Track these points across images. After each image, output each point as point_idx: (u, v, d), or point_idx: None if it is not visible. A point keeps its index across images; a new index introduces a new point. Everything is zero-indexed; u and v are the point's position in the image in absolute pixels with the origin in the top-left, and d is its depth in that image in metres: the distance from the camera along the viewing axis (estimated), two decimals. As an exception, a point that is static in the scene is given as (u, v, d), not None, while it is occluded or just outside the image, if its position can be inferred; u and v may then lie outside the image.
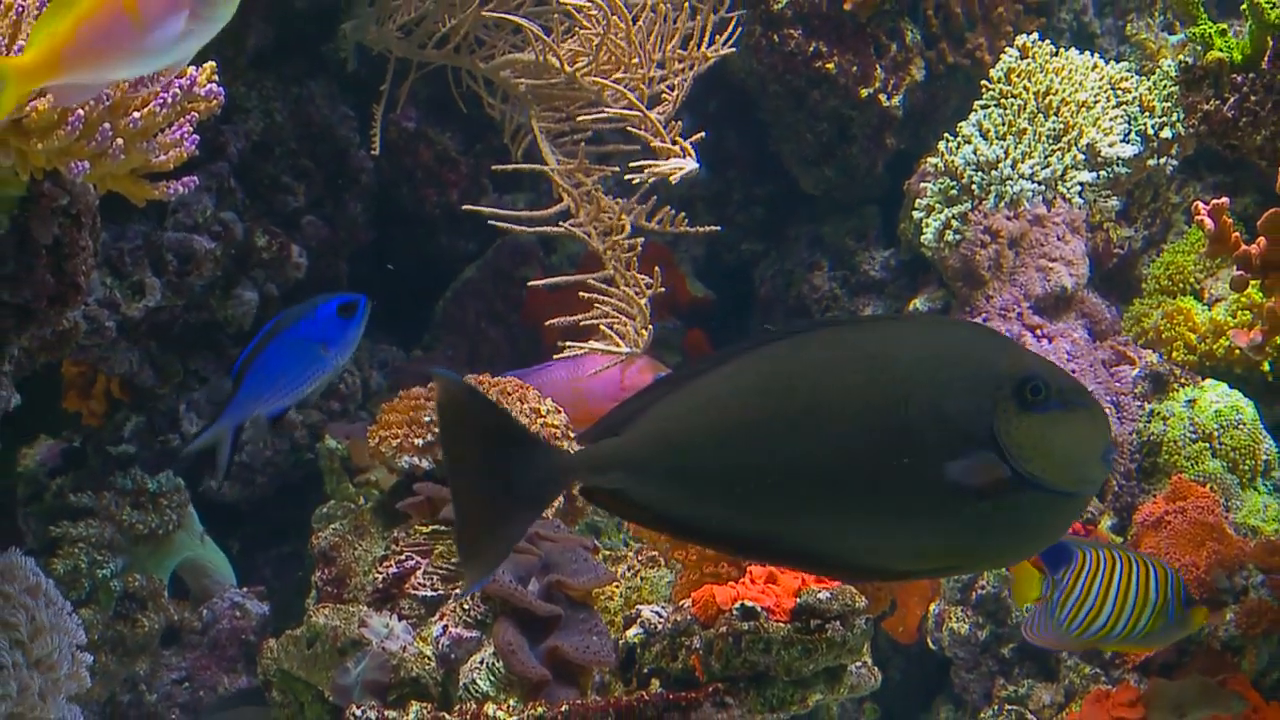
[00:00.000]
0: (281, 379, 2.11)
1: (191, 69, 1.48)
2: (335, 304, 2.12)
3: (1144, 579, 1.81)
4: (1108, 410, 2.49)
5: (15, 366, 1.77)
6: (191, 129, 1.47)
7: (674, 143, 2.21)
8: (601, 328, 2.22)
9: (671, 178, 2.18)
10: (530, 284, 2.32)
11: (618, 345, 2.18)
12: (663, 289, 2.29)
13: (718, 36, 2.35)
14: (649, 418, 1.34)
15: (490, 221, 2.26)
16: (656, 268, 2.34)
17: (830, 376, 1.32)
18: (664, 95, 2.30)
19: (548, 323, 2.29)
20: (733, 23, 2.36)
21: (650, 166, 2.19)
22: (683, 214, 2.36)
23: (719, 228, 2.36)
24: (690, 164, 2.18)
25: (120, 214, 2.19)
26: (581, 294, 2.24)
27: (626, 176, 2.22)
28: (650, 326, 2.22)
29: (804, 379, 1.33)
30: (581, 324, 2.24)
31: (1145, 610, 1.81)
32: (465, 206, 2.34)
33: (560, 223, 2.27)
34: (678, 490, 1.33)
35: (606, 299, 2.25)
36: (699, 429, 1.33)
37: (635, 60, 2.25)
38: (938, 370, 1.30)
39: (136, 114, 1.43)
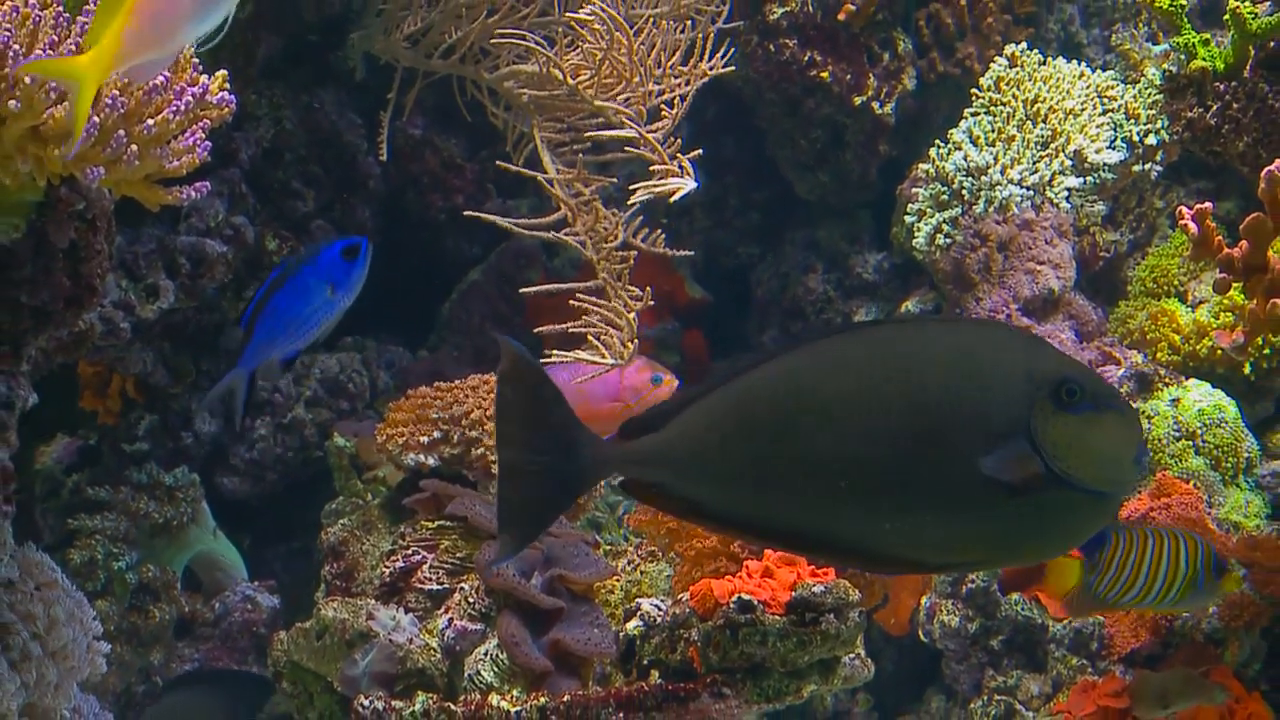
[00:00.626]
0: (292, 323, 2.12)
1: (204, 78, 1.48)
2: (339, 247, 2.15)
3: (1175, 553, 1.82)
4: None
5: (33, 366, 1.77)
6: (204, 136, 1.47)
7: (673, 159, 2.21)
8: (589, 338, 2.22)
9: (671, 198, 2.18)
10: (523, 290, 2.33)
11: (604, 356, 2.18)
12: (651, 303, 2.30)
13: (717, 53, 2.35)
14: (689, 414, 1.35)
15: (495, 221, 2.26)
16: (648, 286, 2.35)
17: (870, 373, 1.32)
18: (663, 111, 2.30)
19: (536, 330, 2.30)
20: (728, 40, 2.36)
21: (650, 186, 2.19)
22: (661, 233, 2.36)
23: (690, 253, 2.38)
24: (689, 183, 2.18)
25: (135, 218, 2.19)
26: (571, 302, 2.25)
27: (628, 197, 2.23)
28: (635, 341, 2.22)
29: (844, 376, 1.33)
30: (570, 332, 2.24)
31: (1176, 581, 1.82)
32: (468, 213, 2.34)
33: (557, 232, 2.28)
34: (715, 484, 1.34)
35: (596, 309, 2.25)
36: (737, 425, 1.33)
37: (636, 78, 2.25)
38: (977, 369, 1.30)
39: (150, 121, 1.43)
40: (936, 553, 1.36)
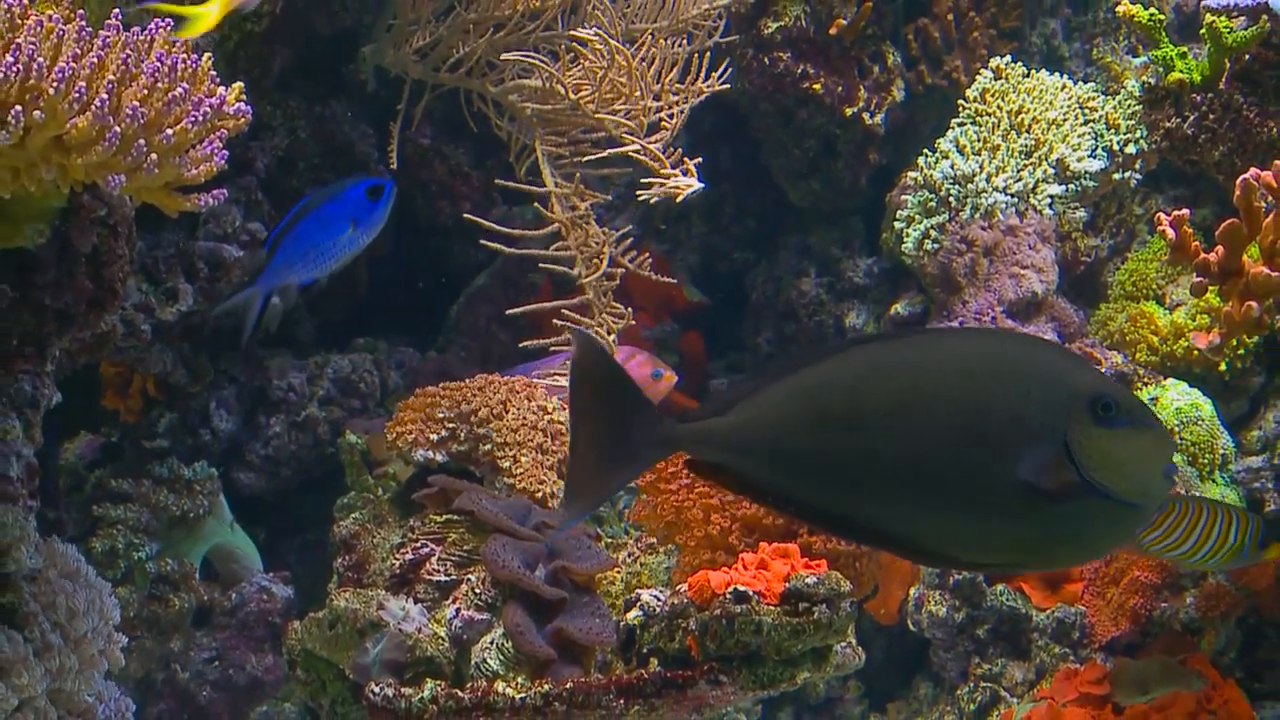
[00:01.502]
0: (312, 251, 2.20)
1: (221, 89, 1.48)
2: (364, 186, 2.22)
3: (1226, 527, 1.83)
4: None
5: (57, 367, 1.77)
6: (221, 145, 1.47)
7: (677, 164, 2.22)
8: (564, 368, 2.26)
9: (677, 196, 2.19)
10: (509, 312, 2.34)
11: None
12: (633, 322, 2.34)
13: (716, 69, 2.35)
14: (752, 401, 1.37)
15: (484, 240, 2.28)
16: (646, 292, 2.37)
17: (921, 376, 1.35)
18: (663, 123, 2.30)
19: (522, 344, 2.32)
20: (726, 58, 2.36)
21: (660, 185, 2.19)
22: (648, 257, 2.37)
23: (674, 280, 2.48)
24: (695, 184, 2.19)
25: (155, 224, 2.19)
26: (555, 321, 2.28)
27: (631, 205, 2.24)
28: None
29: (896, 376, 1.35)
30: (551, 350, 2.27)
31: (1222, 550, 1.83)
32: (467, 215, 2.34)
33: (554, 243, 2.30)
34: (772, 468, 1.37)
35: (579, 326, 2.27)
36: (796, 414, 1.36)
37: (636, 92, 2.26)
38: (1020, 379, 1.32)
39: (170, 131, 1.42)
40: (975, 551, 1.38)
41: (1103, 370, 2.51)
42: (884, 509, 1.36)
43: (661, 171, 2.20)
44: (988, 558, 1.41)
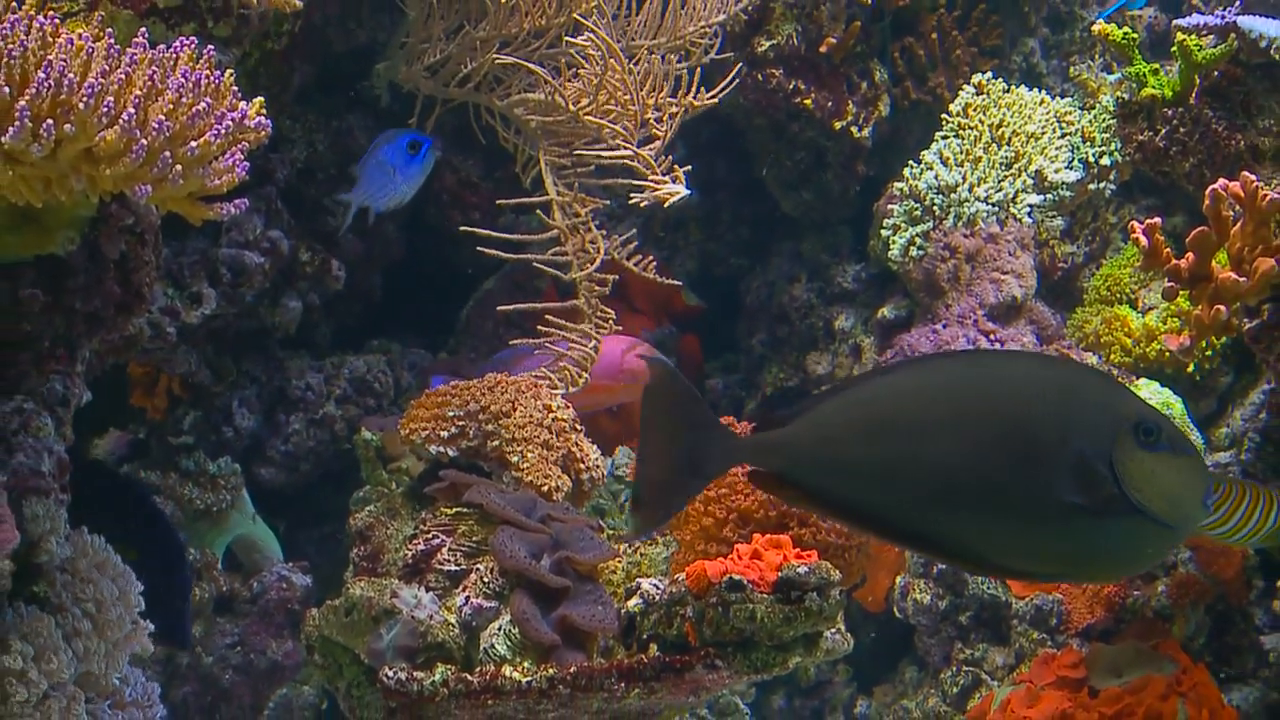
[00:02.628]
0: (373, 186, 2.35)
1: (243, 104, 1.47)
2: (406, 140, 2.33)
3: (1268, 509, 1.82)
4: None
5: (87, 367, 1.77)
6: (243, 157, 1.47)
7: (668, 173, 2.22)
8: (549, 369, 2.27)
9: (665, 202, 2.19)
10: (500, 309, 2.35)
11: (555, 388, 2.24)
12: (619, 328, 2.37)
13: (712, 86, 2.36)
14: (811, 415, 1.39)
15: (482, 248, 2.30)
16: (643, 297, 2.37)
17: (974, 393, 1.37)
18: (655, 134, 2.30)
19: (512, 342, 2.33)
20: (729, 75, 2.37)
21: (649, 190, 2.19)
22: (651, 260, 2.38)
23: (680, 283, 2.51)
24: (682, 189, 2.19)
25: (180, 232, 2.19)
26: (540, 327, 2.29)
27: (628, 200, 2.23)
28: (586, 376, 2.29)
29: (949, 393, 1.37)
30: (537, 352, 2.29)
31: (1263, 529, 1.82)
32: (463, 229, 2.34)
33: (555, 247, 2.30)
34: (829, 477, 1.38)
35: (564, 332, 2.28)
36: (853, 427, 1.37)
37: (631, 105, 2.26)
38: (1069, 401, 1.34)
39: (194, 143, 1.42)
40: (1020, 561, 1.39)
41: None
42: (934, 518, 1.36)
43: (651, 178, 2.20)
44: (1032, 567, 1.41)
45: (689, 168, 2.24)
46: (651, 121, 2.29)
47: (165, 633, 1.86)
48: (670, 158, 2.27)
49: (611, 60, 2.21)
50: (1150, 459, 1.31)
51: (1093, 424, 1.32)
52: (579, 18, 2.29)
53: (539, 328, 2.33)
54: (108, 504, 1.84)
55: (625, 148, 2.23)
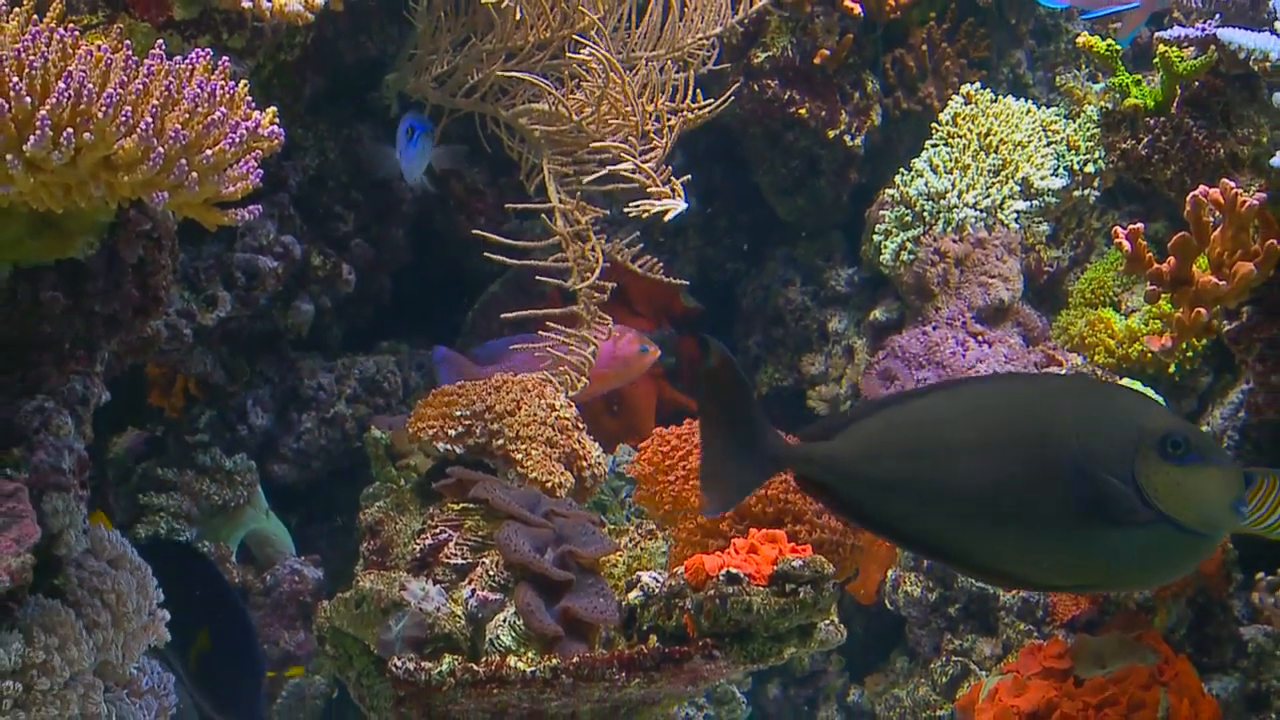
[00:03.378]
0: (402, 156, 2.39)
1: (256, 113, 1.47)
2: (406, 124, 2.37)
3: None
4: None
5: (105, 367, 1.76)
6: (256, 164, 1.47)
7: (667, 184, 2.22)
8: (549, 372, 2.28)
9: (665, 216, 2.19)
10: (504, 315, 2.36)
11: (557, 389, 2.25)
12: (617, 333, 2.38)
13: (711, 97, 2.36)
14: (855, 429, 1.42)
15: (489, 254, 2.31)
16: (645, 300, 2.38)
17: (1003, 412, 1.39)
18: (655, 142, 2.30)
19: (513, 346, 2.33)
20: (731, 87, 2.36)
21: (646, 205, 2.19)
22: (659, 262, 2.38)
23: (686, 282, 2.51)
24: (680, 204, 2.19)
25: (196, 237, 2.19)
26: (540, 332, 2.29)
27: (626, 210, 2.23)
28: (584, 381, 2.29)
29: (981, 412, 1.39)
30: (535, 354, 2.29)
31: None
32: (474, 232, 2.34)
33: (556, 254, 2.31)
34: (866, 489, 1.41)
35: (563, 337, 2.28)
36: (890, 445, 1.40)
37: (632, 116, 2.26)
38: (1094, 418, 1.35)
39: (209, 151, 1.42)
40: (1048, 574, 1.41)
41: (1064, 365, 2.50)
42: (966, 536, 1.38)
43: (650, 189, 2.20)
44: (1059, 579, 1.43)
45: (688, 177, 2.24)
46: (651, 132, 2.29)
47: (239, 714, 1.86)
48: (669, 167, 2.27)
49: (613, 75, 2.21)
50: (1177, 471, 1.31)
51: (1116, 440, 1.33)
52: (579, 37, 2.29)
53: (539, 332, 2.33)
54: (182, 583, 1.82)
55: (626, 159, 2.23)
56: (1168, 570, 1.43)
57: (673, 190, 2.21)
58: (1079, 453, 1.32)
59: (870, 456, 1.40)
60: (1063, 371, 2.50)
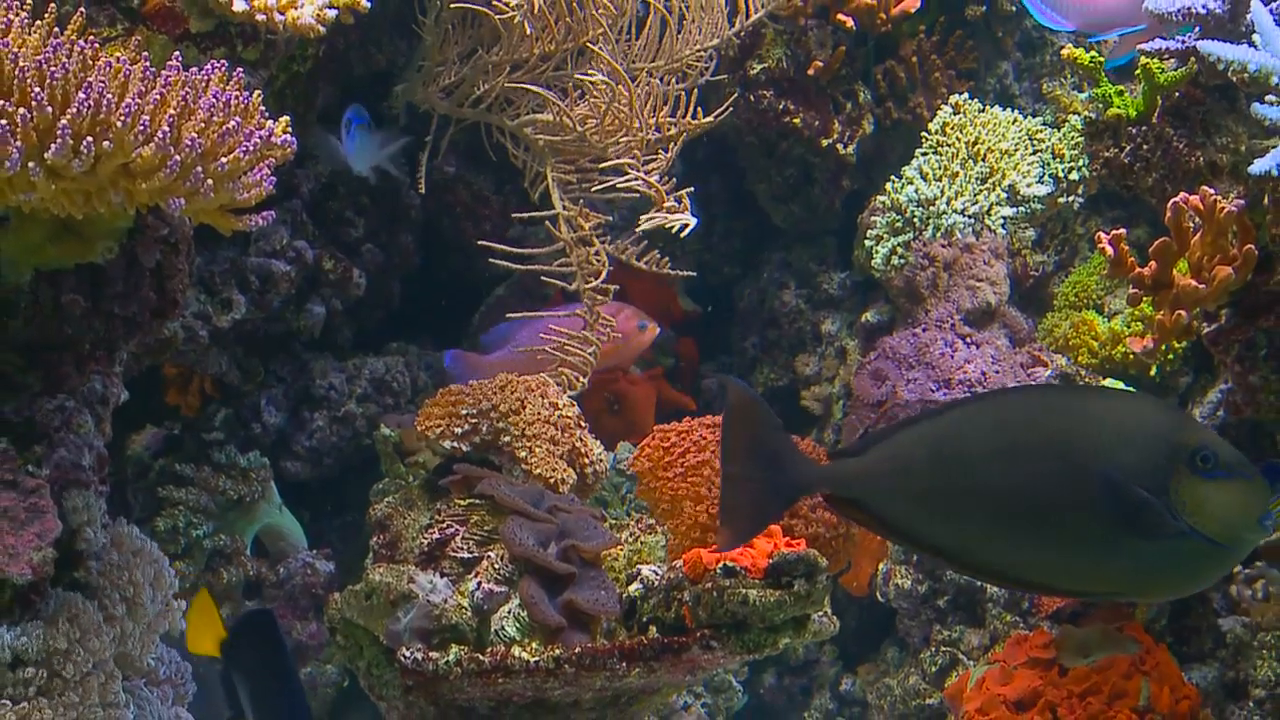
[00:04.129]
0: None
1: (269, 122, 1.47)
2: (346, 117, 2.36)
3: None
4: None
5: (124, 368, 1.76)
6: (269, 172, 1.47)
7: (673, 196, 2.22)
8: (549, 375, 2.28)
9: (673, 229, 2.19)
10: (509, 316, 2.35)
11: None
12: (618, 336, 2.38)
13: (708, 107, 2.36)
14: (884, 446, 1.40)
15: (494, 259, 2.32)
16: (646, 302, 2.38)
17: (1034, 425, 1.36)
18: (658, 153, 2.30)
19: (518, 349, 2.33)
20: (729, 99, 2.36)
21: (656, 217, 2.20)
22: (666, 259, 2.38)
23: (691, 273, 2.50)
24: (690, 219, 2.19)
25: (211, 242, 2.19)
26: (542, 335, 2.29)
27: (637, 226, 2.24)
28: (584, 382, 2.30)
29: (1011, 424, 1.37)
30: (538, 356, 2.29)
31: None
32: (481, 243, 2.34)
33: (554, 262, 2.31)
34: (899, 507, 1.39)
35: (566, 338, 2.28)
36: (922, 459, 1.37)
37: (635, 124, 2.26)
38: (1125, 431, 1.33)
39: (224, 159, 1.42)
40: (1076, 582, 1.39)
41: (1049, 366, 2.50)
42: (998, 549, 1.37)
43: (663, 202, 2.20)
44: (1086, 587, 1.41)
45: (690, 189, 2.24)
46: (652, 140, 2.29)
47: None
48: (673, 179, 2.27)
49: (619, 87, 2.21)
50: (1206, 485, 1.30)
51: (1147, 453, 1.31)
52: (588, 44, 2.29)
53: (542, 335, 2.32)
54: (258, 662, 1.80)
55: (630, 170, 2.23)
56: (1193, 581, 1.41)
57: (676, 198, 2.21)
58: (1111, 465, 1.31)
59: (901, 470, 1.38)
60: (1046, 371, 2.49)
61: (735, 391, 1.41)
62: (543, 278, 2.33)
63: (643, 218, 2.21)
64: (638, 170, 2.23)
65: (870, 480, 1.39)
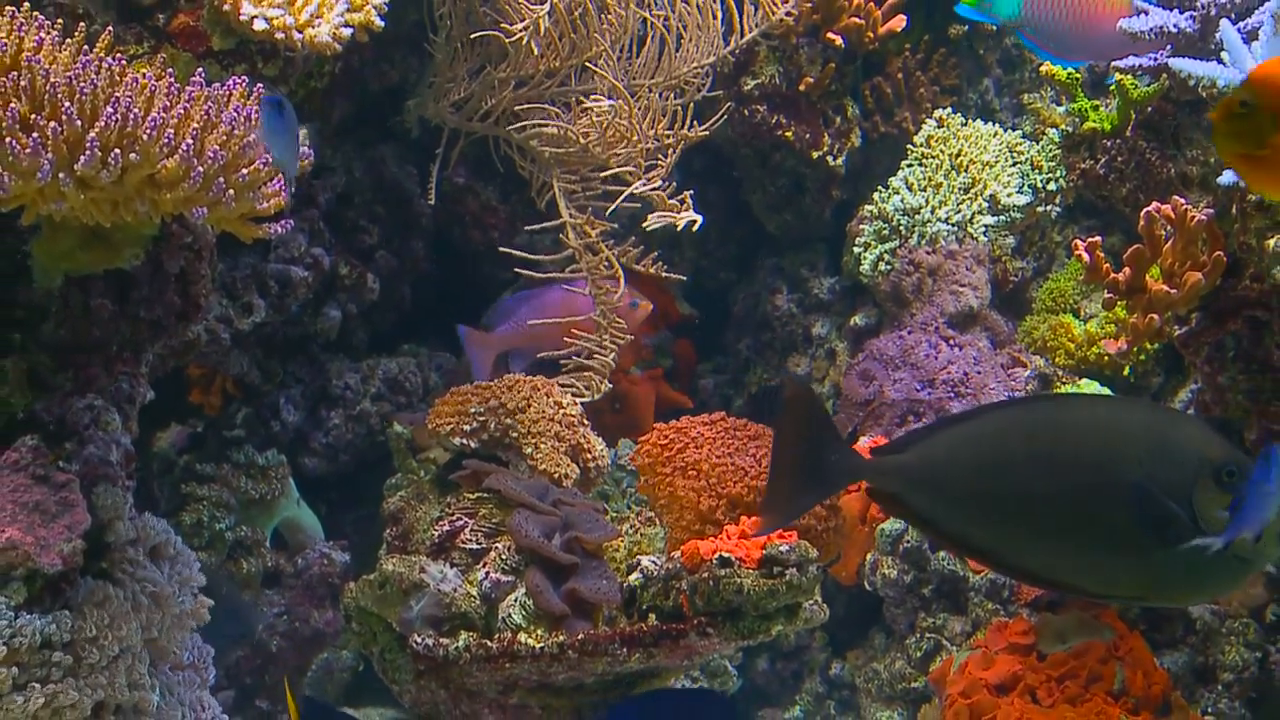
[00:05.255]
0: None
1: (288, 135, 1.47)
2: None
3: None
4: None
5: (150, 368, 1.76)
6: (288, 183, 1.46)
7: (681, 203, 2.22)
8: (573, 378, 2.27)
9: (679, 226, 2.20)
10: (530, 323, 2.36)
11: (583, 394, 2.24)
12: (631, 337, 2.38)
13: (705, 120, 2.36)
14: (925, 444, 1.39)
15: (517, 268, 2.31)
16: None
17: (1067, 433, 1.36)
18: (660, 162, 2.30)
19: (539, 355, 2.33)
20: (723, 109, 2.37)
21: (667, 216, 2.20)
22: (662, 264, 2.38)
23: (683, 277, 2.53)
24: (695, 216, 2.20)
25: (233, 249, 2.18)
26: (565, 338, 2.29)
27: (643, 224, 2.24)
28: (607, 385, 2.31)
29: (1046, 432, 1.36)
30: (559, 360, 2.29)
31: None
32: (501, 249, 2.35)
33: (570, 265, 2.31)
34: (937, 501, 1.38)
35: (585, 340, 2.28)
36: (960, 459, 1.37)
37: (635, 136, 2.26)
38: (1156, 444, 1.32)
39: (245, 170, 1.42)
40: (1102, 585, 1.39)
41: (1028, 367, 2.50)
42: (1027, 548, 1.36)
43: (667, 205, 2.20)
44: (1110, 590, 1.41)
45: (690, 192, 2.24)
46: (654, 150, 2.29)
47: None
48: (673, 184, 2.27)
49: (619, 103, 2.21)
50: (1230, 500, 1.29)
51: (1177, 467, 1.31)
52: (589, 64, 2.29)
53: (564, 339, 2.33)
54: None
55: (632, 178, 2.23)
56: (1212, 590, 1.40)
57: (682, 202, 2.22)
58: (1144, 476, 1.30)
59: (940, 469, 1.37)
60: (1025, 372, 2.49)
61: (793, 385, 1.42)
62: (565, 287, 2.33)
63: (651, 216, 2.21)
64: (638, 177, 2.23)
65: (910, 477, 1.39)
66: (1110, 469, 1.31)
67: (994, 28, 2.82)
